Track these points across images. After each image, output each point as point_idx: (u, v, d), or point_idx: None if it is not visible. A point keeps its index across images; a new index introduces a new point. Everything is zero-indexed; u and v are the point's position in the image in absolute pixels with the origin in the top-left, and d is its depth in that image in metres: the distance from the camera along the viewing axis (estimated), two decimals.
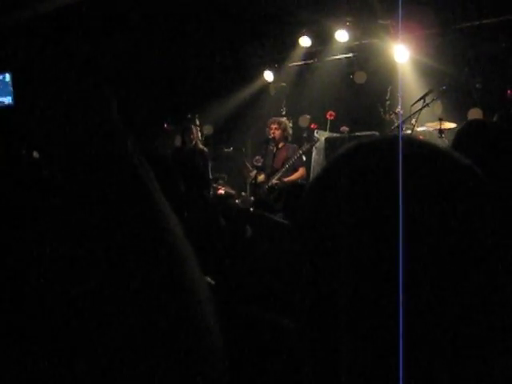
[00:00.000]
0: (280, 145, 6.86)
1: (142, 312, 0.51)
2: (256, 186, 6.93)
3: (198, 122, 8.29)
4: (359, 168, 0.64)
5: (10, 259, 0.51)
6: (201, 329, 0.55)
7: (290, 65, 9.00)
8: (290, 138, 6.95)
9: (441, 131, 6.32)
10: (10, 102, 0.60)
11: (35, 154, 0.63)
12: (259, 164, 7.00)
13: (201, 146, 7.27)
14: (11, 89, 0.59)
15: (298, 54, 8.76)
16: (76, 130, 0.57)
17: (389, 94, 7.56)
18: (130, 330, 0.50)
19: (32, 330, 0.49)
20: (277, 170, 6.76)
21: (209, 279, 1.23)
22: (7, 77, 0.61)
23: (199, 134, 7.38)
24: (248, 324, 1.13)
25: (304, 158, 7.06)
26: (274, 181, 6.68)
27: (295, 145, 7.00)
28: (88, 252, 0.51)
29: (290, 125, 7.24)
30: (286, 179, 6.61)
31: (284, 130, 6.83)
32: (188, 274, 0.56)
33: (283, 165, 6.73)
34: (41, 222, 0.54)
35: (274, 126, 6.81)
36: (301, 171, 6.73)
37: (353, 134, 7.38)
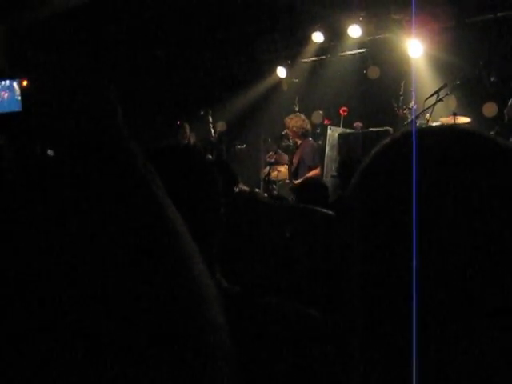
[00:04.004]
0: (298, 142, 6.82)
1: (145, 313, 0.51)
2: (269, 182, 6.93)
3: (210, 119, 8.31)
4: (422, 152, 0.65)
5: (15, 258, 0.52)
6: (206, 328, 0.55)
7: (303, 61, 8.97)
8: (305, 132, 6.83)
9: None
10: (19, 108, 0.60)
11: (49, 152, 0.63)
12: (272, 160, 6.99)
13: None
14: (19, 97, 0.60)
15: (310, 49, 8.72)
16: (77, 134, 0.57)
17: (402, 89, 7.51)
18: (133, 331, 0.51)
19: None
20: (291, 170, 6.73)
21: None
22: (15, 85, 0.62)
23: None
24: (271, 314, 1.14)
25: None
26: (287, 181, 6.67)
27: (312, 142, 6.95)
28: (91, 254, 0.52)
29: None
30: (296, 181, 6.50)
31: (291, 127, 6.75)
32: (193, 273, 0.57)
33: (296, 165, 6.69)
34: (50, 220, 0.54)
35: (287, 123, 6.80)
36: (313, 172, 6.62)
37: (366, 130, 7.35)
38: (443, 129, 0.73)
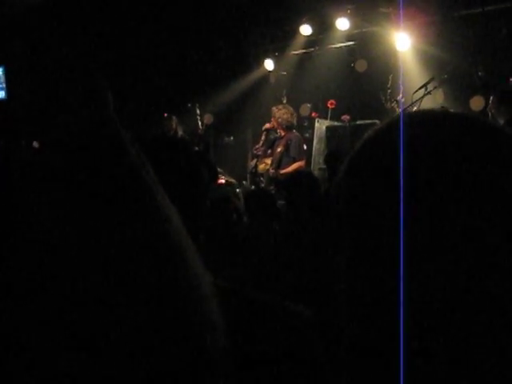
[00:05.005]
0: (282, 133, 6.82)
1: (141, 310, 0.50)
2: (256, 174, 6.92)
3: (198, 111, 8.28)
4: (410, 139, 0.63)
5: (8, 256, 0.50)
6: (203, 325, 0.54)
7: (291, 53, 8.96)
8: (290, 125, 6.82)
9: None
10: (3, 96, 0.58)
11: (35, 144, 0.61)
12: (259, 153, 6.99)
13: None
14: (3, 85, 0.58)
15: (298, 42, 8.71)
16: (69, 121, 0.56)
17: (390, 83, 7.52)
18: (130, 328, 0.49)
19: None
20: (275, 160, 6.72)
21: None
22: (0, 71, 0.60)
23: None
24: (260, 310, 1.13)
25: (305, 147, 7.02)
26: (271, 171, 6.66)
27: (297, 134, 6.94)
28: (85, 249, 0.50)
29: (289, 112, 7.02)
30: (282, 171, 6.53)
31: (276, 118, 6.75)
32: (189, 269, 0.55)
33: (280, 154, 6.67)
34: (39, 217, 0.52)
35: (274, 112, 6.81)
36: (298, 163, 6.60)
37: (354, 123, 7.37)
38: (429, 115, 0.71)
